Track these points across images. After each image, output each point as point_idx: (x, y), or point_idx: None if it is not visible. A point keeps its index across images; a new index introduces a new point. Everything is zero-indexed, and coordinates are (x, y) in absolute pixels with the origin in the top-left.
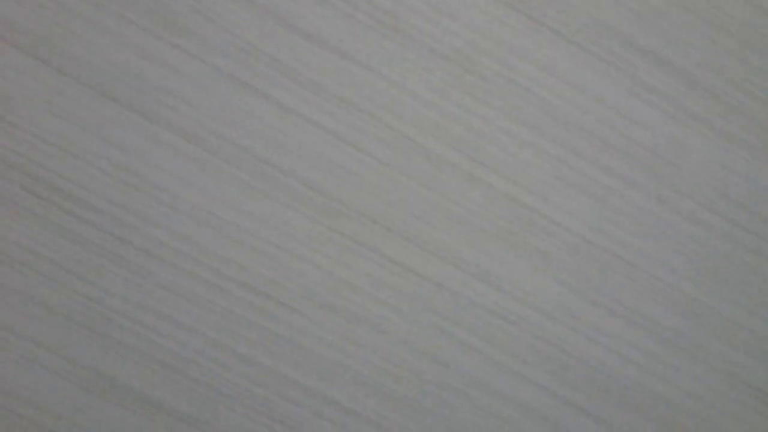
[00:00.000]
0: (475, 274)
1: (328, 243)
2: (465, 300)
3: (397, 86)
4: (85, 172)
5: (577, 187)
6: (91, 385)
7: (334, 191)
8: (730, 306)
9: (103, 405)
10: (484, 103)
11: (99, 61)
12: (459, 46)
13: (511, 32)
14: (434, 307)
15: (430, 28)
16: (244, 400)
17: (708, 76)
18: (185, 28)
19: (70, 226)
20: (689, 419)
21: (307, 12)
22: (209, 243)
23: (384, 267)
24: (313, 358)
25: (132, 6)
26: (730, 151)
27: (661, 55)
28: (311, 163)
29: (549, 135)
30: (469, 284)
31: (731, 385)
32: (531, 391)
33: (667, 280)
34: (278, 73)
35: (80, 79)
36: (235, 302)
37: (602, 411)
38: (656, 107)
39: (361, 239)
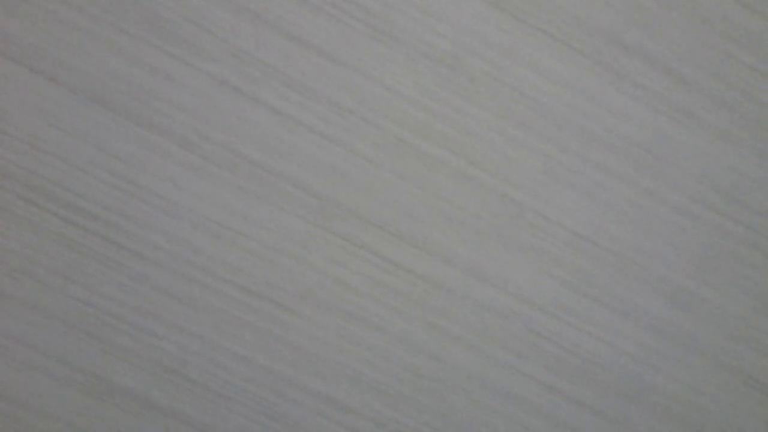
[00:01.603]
0: (468, 270)
1: (323, 244)
2: (459, 296)
3: (387, 88)
4: (80, 179)
5: (567, 182)
6: (90, 388)
7: (328, 193)
8: (722, 296)
9: (102, 408)
10: (474, 102)
11: (92, 69)
12: (447, 48)
13: (499, 32)
14: (429, 304)
15: (418, 30)
16: (242, 400)
17: (693, 71)
18: (178, 35)
19: (66, 233)
20: (684, 409)
21: (298, 17)
22: (205, 246)
23: (378, 266)
24: (310, 357)
25: (125, 15)
26: (718, 144)
27: (647, 51)
28: (304, 166)
29: (538, 132)
30: (462, 281)
31: (725, 374)
32: (526, 385)
33: (658, 272)
34: (270, 78)
35: (74, 87)
36: (231, 304)
37: (597, 403)
38: (643, 103)
39: (355, 239)
